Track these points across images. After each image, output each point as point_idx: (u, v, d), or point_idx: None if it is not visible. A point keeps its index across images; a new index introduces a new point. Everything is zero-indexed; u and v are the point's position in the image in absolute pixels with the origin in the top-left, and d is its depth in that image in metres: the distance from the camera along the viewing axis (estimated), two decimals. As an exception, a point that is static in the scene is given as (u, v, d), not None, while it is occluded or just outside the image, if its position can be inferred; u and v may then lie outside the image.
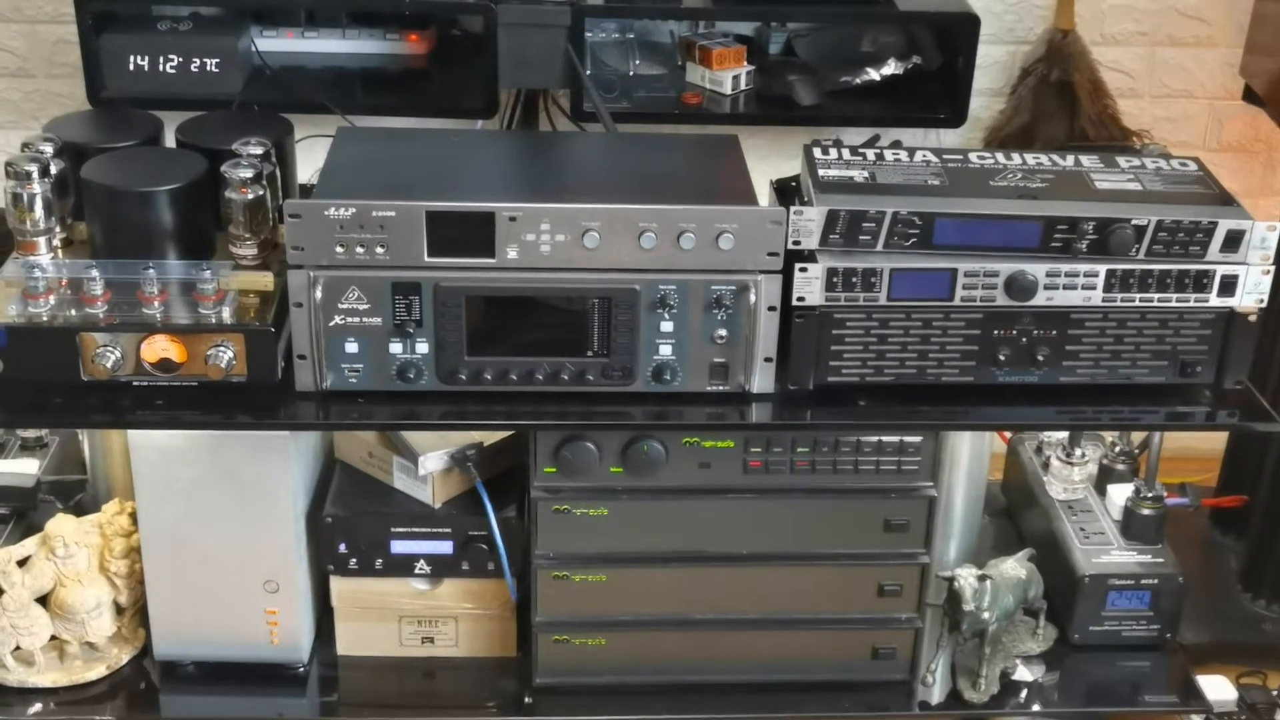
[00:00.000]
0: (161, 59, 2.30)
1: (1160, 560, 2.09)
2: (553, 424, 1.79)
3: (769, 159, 2.38)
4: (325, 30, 2.46)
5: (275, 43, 2.42)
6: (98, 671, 1.99)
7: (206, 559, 1.93)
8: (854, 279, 1.72)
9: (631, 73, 2.48)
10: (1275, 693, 2.12)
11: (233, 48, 2.31)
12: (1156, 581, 2.06)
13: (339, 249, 1.66)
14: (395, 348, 1.71)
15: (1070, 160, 1.85)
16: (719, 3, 2.45)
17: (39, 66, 2.57)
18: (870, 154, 1.85)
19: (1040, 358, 1.77)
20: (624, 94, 2.41)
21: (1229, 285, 1.76)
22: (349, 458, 2.03)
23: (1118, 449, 2.24)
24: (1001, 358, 1.77)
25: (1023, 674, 2.05)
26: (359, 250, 1.66)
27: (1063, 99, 2.58)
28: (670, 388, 1.75)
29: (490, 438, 1.96)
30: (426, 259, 1.67)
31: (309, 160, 1.98)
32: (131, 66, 2.29)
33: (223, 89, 2.31)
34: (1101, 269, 1.74)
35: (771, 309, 1.72)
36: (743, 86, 2.46)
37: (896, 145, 1.89)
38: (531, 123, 2.47)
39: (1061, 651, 2.09)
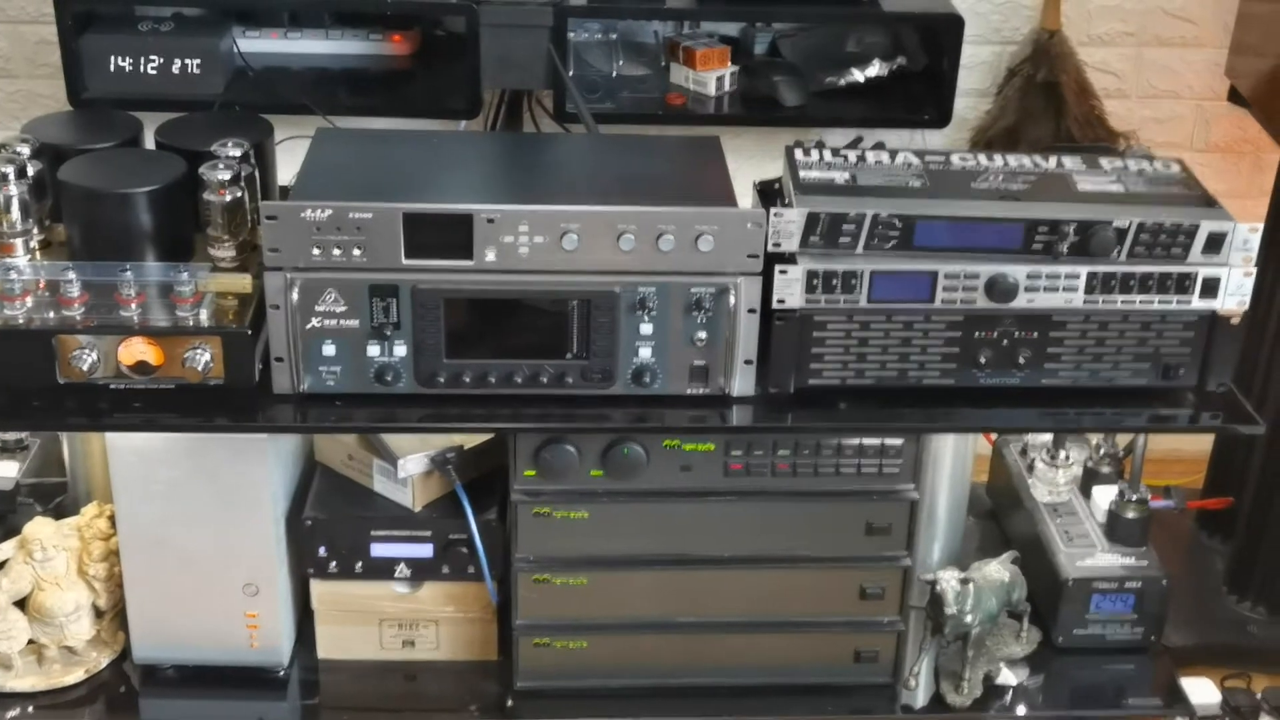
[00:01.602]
0: (143, 60, 2.29)
1: (1145, 563, 2.08)
2: (532, 427, 1.78)
3: (754, 160, 2.37)
4: (308, 31, 2.45)
5: (258, 43, 2.42)
6: (76, 675, 1.98)
7: (186, 562, 1.92)
8: (834, 281, 1.71)
9: (615, 73, 2.47)
10: (1259, 695, 2.12)
11: (214, 48, 2.30)
12: (1141, 584, 2.06)
13: (316, 251, 1.65)
14: (373, 350, 1.70)
15: (1052, 162, 1.85)
16: (703, 3, 2.44)
17: (21, 67, 2.56)
18: (852, 155, 1.84)
19: (1022, 360, 1.76)
20: (607, 95, 2.41)
21: (1211, 287, 1.75)
22: (329, 460, 2.02)
23: (1103, 451, 2.24)
24: (983, 360, 1.76)
25: (1006, 677, 2.05)
26: (336, 252, 1.65)
27: (1049, 100, 2.58)
28: (650, 390, 1.74)
29: (470, 440, 1.95)
30: (404, 261, 1.66)
31: (291, 162, 1.96)
32: (112, 67, 2.28)
33: (205, 90, 2.30)
34: (1083, 271, 1.73)
35: (751, 311, 1.71)
36: (727, 87, 2.45)
37: (879, 147, 1.88)
38: (515, 123, 2.47)
39: (1045, 655, 2.08)
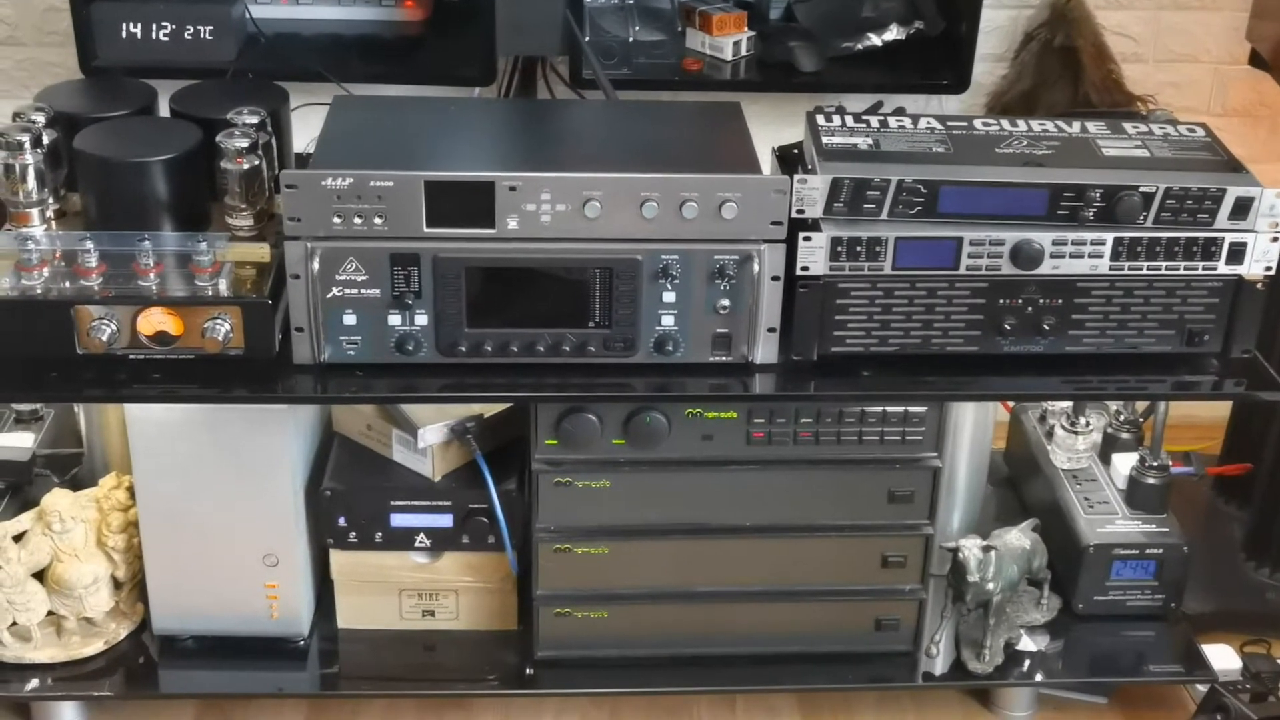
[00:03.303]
0: (154, 26, 2.26)
1: (1165, 530, 2.07)
2: (554, 396, 1.77)
3: (771, 126, 2.34)
4: (320, -3, 2.42)
5: (270, 9, 2.39)
6: (95, 647, 1.97)
7: (205, 533, 1.91)
8: (858, 248, 1.70)
9: (631, 39, 2.44)
10: (1279, 661, 2.11)
11: (227, 15, 2.28)
12: (1161, 551, 2.05)
13: (336, 220, 1.64)
14: (394, 319, 1.69)
15: (1076, 127, 1.83)
16: (719, -33, 2.41)
17: (29, 34, 2.53)
18: (874, 121, 1.83)
19: (1046, 327, 1.75)
20: (623, 61, 2.38)
21: (1237, 253, 1.74)
22: (347, 431, 2.01)
23: (1122, 418, 2.23)
24: (1007, 327, 1.75)
25: (1027, 644, 2.05)
26: (357, 221, 1.64)
27: (1066, 64, 2.55)
28: (673, 359, 1.73)
29: (490, 410, 1.94)
30: (425, 229, 1.65)
31: (305, 129, 1.95)
32: (124, 34, 2.25)
33: (217, 57, 2.27)
34: (1108, 237, 1.72)
35: (775, 279, 1.70)
36: (743, 52, 2.42)
37: (900, 112, 1.87)
38: (530, 90, 2.44)
39: (1066, 622, 2.08)
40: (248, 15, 2.33)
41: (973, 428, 2.12)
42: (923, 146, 1.77)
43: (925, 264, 1.72)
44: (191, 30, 2.26)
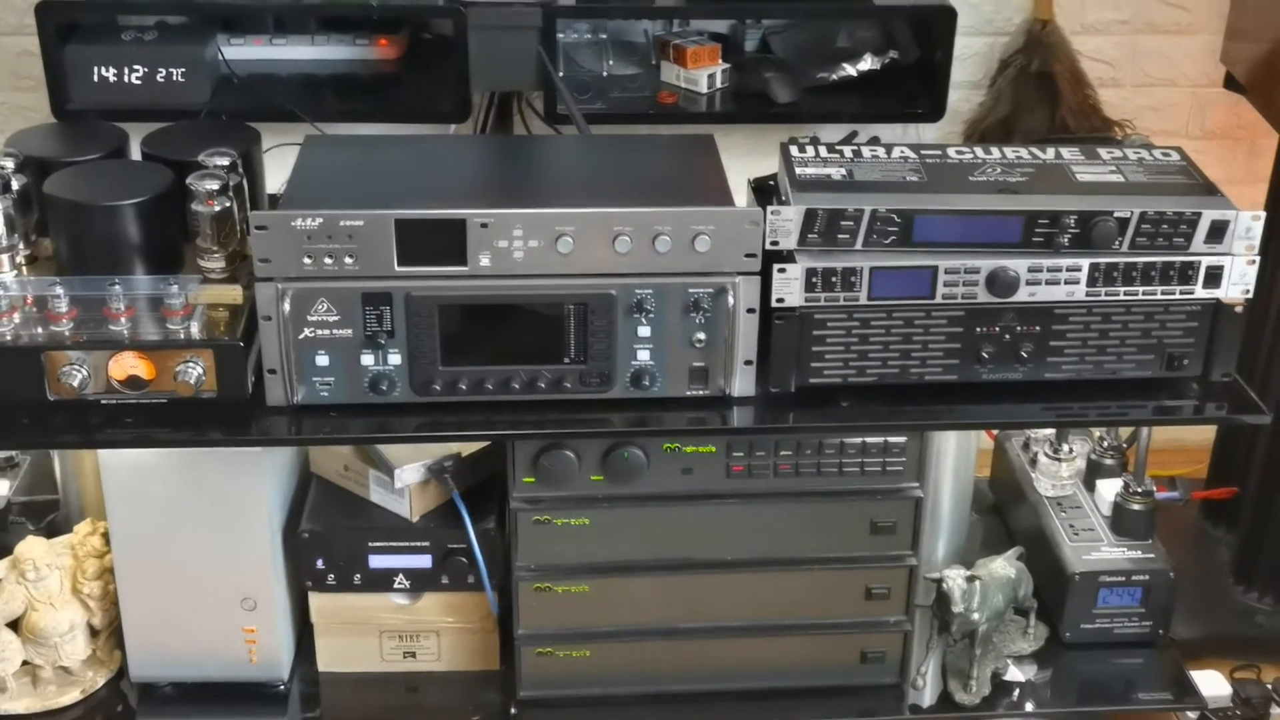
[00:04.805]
0: (127, 70, 2.26)
1: (1151, 556, 2.06)
2: (531, 433, 1.76)
3: (747, 158, 2.35)
4: (294, 37, 2.42)
5: (243, 51, 2.39)
6: (72, 696, 1.95)
7: (182, 578, 1.89)
8: (833, 279, 1.69)
9: (605, 73, 2.45)
10: (1270, 686, 2.10)
11: (199, 57, 2.28)
12: (1148, 577, 2.04)
13: (307, 260, 1.62)
14: (367, 359, 1.68)
15: (1051, 153, 1.83)
16: (692, 1, 2.42)
17: (3, 79, 2.53)
18: (848, 151, 1.82)
19: (1024, 354, 1.75)
20: (598, 95, 2.38)
21: (1214, 276, 1.73)
22: (324, 472, 2.00)
23: (1106, 444, 2.22)
24: (985, 355, 1.74)
25: (1014, 674, 2.03)
26: (328, 261, 1.63)
27: (1043, 90, 2.56)
28: (649, 393, 1.72)
29: (467, 448, 1.93)
30: (397, 268, 1.64)
31: (280, 170, 1.94)
32: (96, 78, 2.26)
33: (190, 99, 2.27)
34: (1084, 263, 1.72)
35: (750, 311, 1.69)
36: (718, 85, 2.43)
37: (874, 142, 1.86)
38: (505, 126, 2.44)
39: (1053, 650, 2.07)
40: (220, 57, 2.33)
41: (955, 456, 2.11)
42: (896, 176, 1.76)
43: (901, 293, 1.71)
44: (164, 73, 2.26)
